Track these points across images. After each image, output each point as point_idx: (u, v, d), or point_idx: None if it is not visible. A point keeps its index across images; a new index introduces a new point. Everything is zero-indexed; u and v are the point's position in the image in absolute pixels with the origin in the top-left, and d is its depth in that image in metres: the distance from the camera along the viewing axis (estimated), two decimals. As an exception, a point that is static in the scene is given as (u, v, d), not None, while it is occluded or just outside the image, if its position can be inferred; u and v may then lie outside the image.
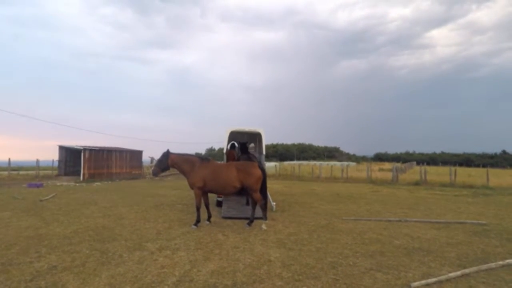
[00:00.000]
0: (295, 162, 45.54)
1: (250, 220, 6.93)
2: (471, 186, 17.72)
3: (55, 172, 20.56)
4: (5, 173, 18.15)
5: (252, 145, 11.66)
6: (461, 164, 59.02)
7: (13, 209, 8.25)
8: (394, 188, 16.97)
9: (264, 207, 6.89)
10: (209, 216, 7.02)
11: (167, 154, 6.84)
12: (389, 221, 7.53)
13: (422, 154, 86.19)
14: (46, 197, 10.21)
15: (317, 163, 37.01)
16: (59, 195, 11.37)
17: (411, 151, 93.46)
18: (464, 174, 24.67)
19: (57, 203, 9.43)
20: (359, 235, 6.10)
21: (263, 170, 6.93)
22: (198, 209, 6.63)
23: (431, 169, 32.66)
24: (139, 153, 23.12)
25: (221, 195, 8.67)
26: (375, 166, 38.31)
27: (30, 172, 20.43)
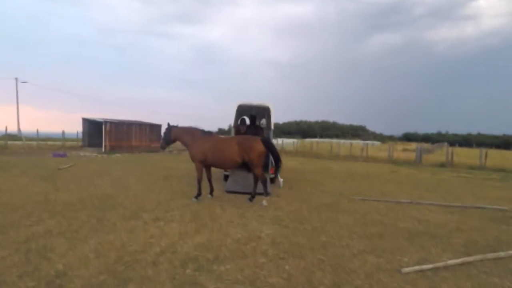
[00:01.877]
0: (315, 139, 44.66)
1: (252, 196, 6.85)
2: (502, 170, 16.48)
3: (80, 143, 21.65)
4: (34, 143, 19.39)
5: (264, 121, 11.34)
6: (498, 147, 54.98)
7: (32, 176, 8.73)
8: (415, 170, 16.17)
9: (264, 183, 6.65)
10: (211, 190, 6.99)
11: (169, 128, 6.97)
12: (399, 202, 7.13)
13: (456, 135, 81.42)
14: (65, 166, 10.74)
15: (340, 141, 36.01)
16: (78, 164, 11.93)
17: (443, 131, 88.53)
18: (498, 156, 22.91)
19: (73, 172, 9.89)
20: (362, 215, 5.83)
21: (268, 144, 6.68)
22: (199, 182, 6.61)
23: (462, 151, 30.66)
24: (158, 126, 23.60)
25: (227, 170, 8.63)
26: (400, 146, 36.69)
27: (56, 143, 21.65)
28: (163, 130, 7.48)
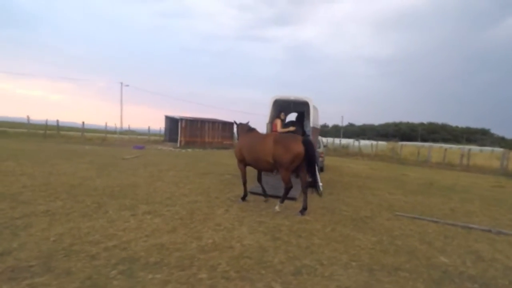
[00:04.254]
0: (412, 143, 38.30)
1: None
2: None
3: (162, 138, 24.53)
4: (127, 136, 22.98)
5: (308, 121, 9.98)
6: None
7: (94, 163, 10.01)
8: (533, 186, 11.99)
9: (287, 190, 5.55)
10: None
11: (236, 125, 6.92)
12: (469, 227, 5.20)
13: None
14: (129, 157, 12.12)
15: (447, 145, 29.57)
16: (143, 156, 13.32)
17: None
18: None
19: (131, 162, 11.01)
20: (392, 238, 4.42)
21: (309, 145, 5.44)
22: (243, 183, 6.11)
23: None
24: (231, 124, 24.58)
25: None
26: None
27: (144, 137, 25.11)
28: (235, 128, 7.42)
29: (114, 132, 24.65)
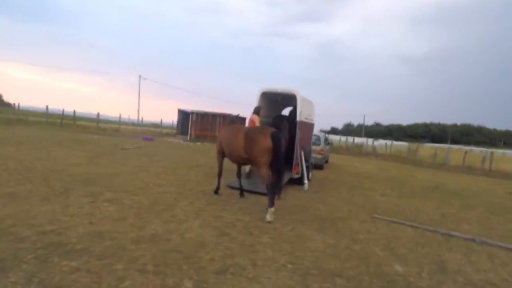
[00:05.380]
0: (439, 145, 35.96)
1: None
2: None
3: (174, 131, 24.95)
4: (139, 128, 23.61)
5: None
6: None
7: (91, 151, 10.21)
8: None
9: (270, 189, 4.82)
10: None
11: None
12: (450, 235, 4.72)
13: None
14: (129, 147, 12.36)
15: (467, 148, 27.40)
16: (146, 147, 13.53)
17: None
18: None
19: (129, 152, 11.18)
20: (353, 242, 4.10)
21: (277, 139, 4.94)
22: (218, 175, 6.00)
23: None
24: (242, 119, 24.50)
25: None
26: None
27: (157, 129, 25.69)
28: (247, 122, 7.30)
29: (129, 124, 25.56)
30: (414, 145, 25.12)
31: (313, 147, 11.65)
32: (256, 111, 7.46)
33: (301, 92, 7.55)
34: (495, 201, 8.48)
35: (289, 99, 8.17)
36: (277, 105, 8.76)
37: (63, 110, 21.11)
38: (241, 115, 8.42)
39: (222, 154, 5.94)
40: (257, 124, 7.36)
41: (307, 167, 8.39)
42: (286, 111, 9.42)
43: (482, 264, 3.76)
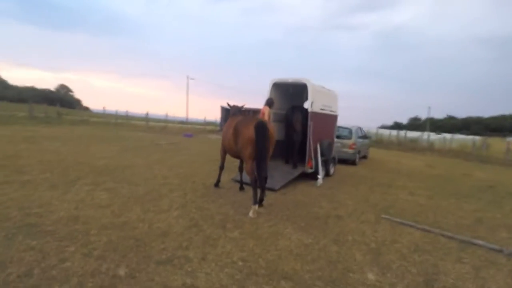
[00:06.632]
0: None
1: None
2: None
3: (217, 128, 25.74)
4: (185, 126, 24.92)
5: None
6: None
7: (123, 146, 11.12)
8: None
9: (254, 184, 4.62)
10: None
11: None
12: (471, 243, 3.88)
13: None
14: (163, 142, 13.09)
15: None
16: (181, 143, 14.18)
17: None
18: None
19: (161, 148, 11.78)
20: (333, 244, 3.64)
21: (261, 129, 4.61)
22: (220, 168, 6.04)
23: None
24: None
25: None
26: None
27: (201, 127, 26.82)
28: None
29: (173, 122, 27.29)
30: (480, 140, 21.58)
31: (343, 141, 10.85)
32: (268, 103, 7.17)
33: (313, 81, 7.04)
34: None
35: (301, 89, 7.69)
36: (289, 96, 8.32)
37: (117, 111, 23.58)
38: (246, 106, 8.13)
39: (224, 148, 5.86)
40: (266, 116, 7.09)
41: (325, 162, 7.82)
42: (306, 104, 8.91)
43: (493, 281, 2.98)
